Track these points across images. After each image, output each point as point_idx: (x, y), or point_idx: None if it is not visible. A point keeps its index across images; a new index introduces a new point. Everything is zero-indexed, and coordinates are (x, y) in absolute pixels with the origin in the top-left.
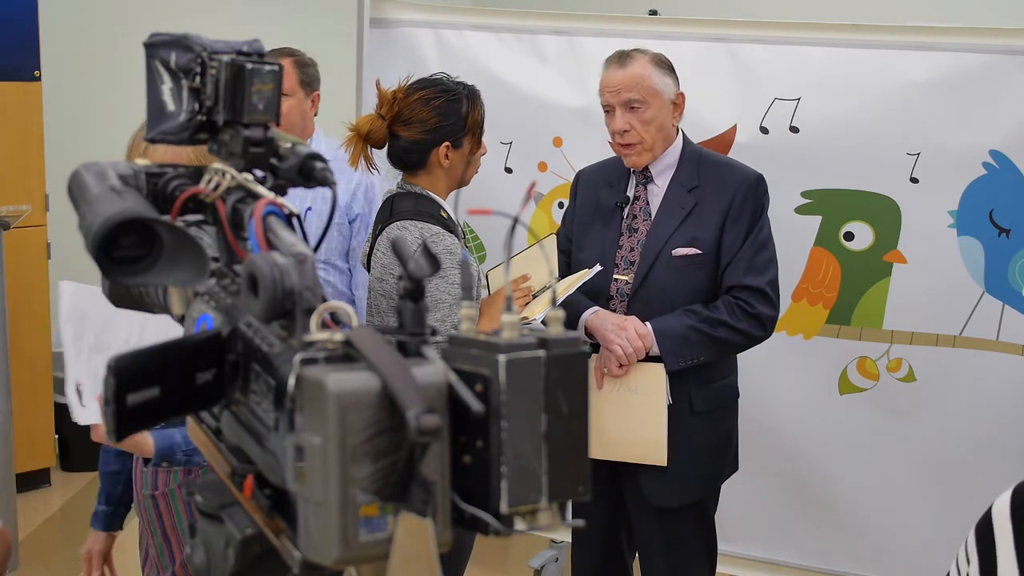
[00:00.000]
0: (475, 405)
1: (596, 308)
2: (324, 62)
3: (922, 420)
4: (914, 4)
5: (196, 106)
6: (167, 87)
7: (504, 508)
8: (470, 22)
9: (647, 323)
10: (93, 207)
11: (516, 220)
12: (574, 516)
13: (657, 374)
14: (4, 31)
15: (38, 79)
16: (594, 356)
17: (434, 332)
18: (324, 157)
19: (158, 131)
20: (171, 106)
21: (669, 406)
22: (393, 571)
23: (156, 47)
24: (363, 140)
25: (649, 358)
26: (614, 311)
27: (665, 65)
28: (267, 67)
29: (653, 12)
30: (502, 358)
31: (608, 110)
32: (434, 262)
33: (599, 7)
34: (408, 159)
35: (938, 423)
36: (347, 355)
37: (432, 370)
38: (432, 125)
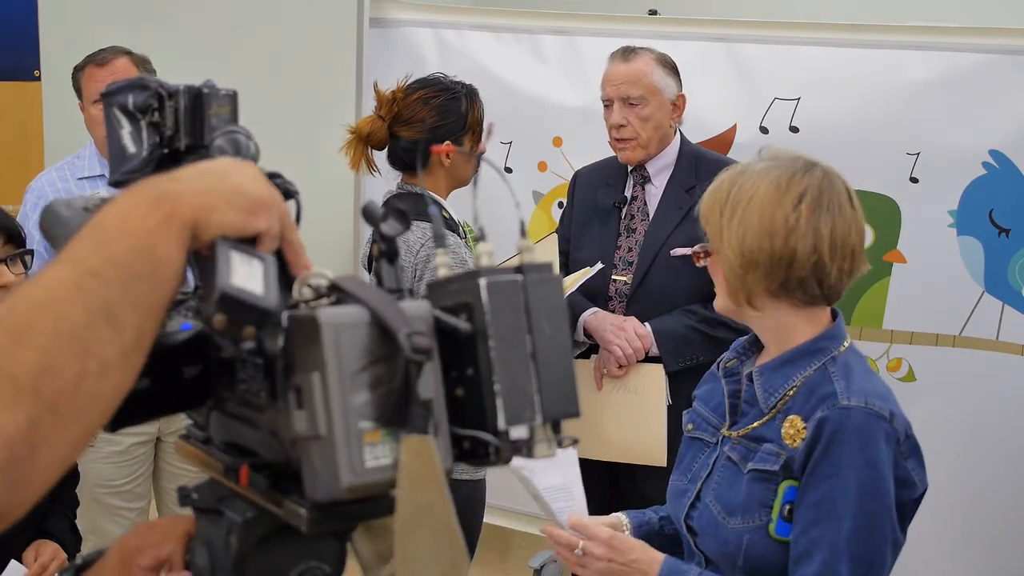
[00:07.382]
0: (462, 325)
1: (595, 309)
2: (324, 62)
3: (921, 420)
4: (914, 4)
5: (157, 139)
6: (126, 131)
7: (502, 424)
8: (470, 22)
9: (646, 323)
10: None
11: (518, 217)
12: None
13: (657, 374)
14: (4, 31)
15: (38, 79)
16: (593, 357)
17: (411, 291)
18: (280, 173)
19: (121, 172)
20: (132, 148)
21: (669, 406)
22: (402, 492)
23: (113, 95)
24: (364, 142)
25: (648, 358)
26: (613, 312)
27: (669, 65)
28: (223, 91)
29: (653, 12)
30: (483, 281)
31: (607, 104)
32: (404, 219)
33: (599, 7)
34: (409, 159)
35: (938, 423)
36: (337, 301)
37: (417, 304)
38: (432, 124)
